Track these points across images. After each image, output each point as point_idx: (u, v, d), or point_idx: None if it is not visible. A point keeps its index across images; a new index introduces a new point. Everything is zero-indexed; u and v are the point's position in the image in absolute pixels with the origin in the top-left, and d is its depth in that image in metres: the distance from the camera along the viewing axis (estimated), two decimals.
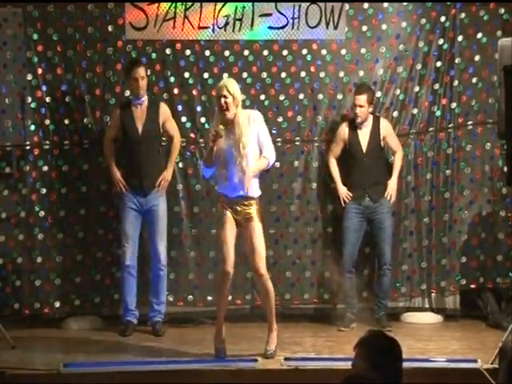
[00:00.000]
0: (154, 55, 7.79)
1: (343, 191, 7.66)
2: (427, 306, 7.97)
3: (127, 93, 7.74)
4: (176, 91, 7.83)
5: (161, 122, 7.46)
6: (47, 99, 7.76)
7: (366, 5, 7.84)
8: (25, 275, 7.75)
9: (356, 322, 7.58)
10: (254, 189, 6.40)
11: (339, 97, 7.92)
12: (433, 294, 7.95)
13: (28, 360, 6.51)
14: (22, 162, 7.76)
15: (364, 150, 7.61)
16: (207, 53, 7.82)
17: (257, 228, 6.40)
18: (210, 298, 7.73)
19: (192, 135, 7.86)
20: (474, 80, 7.94)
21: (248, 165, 6.27)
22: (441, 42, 7.88)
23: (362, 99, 7.52)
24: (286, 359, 6.34)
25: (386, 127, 7.69)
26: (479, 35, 7.89)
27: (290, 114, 7.91)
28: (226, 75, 7.70)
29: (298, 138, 7.93)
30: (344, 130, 7.70)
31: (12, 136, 7.76)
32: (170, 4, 7.76)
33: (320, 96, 7.90)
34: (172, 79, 7.83)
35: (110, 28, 7.76)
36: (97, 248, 7.80)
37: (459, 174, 7.95)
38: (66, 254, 7.77)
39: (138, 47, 7.78)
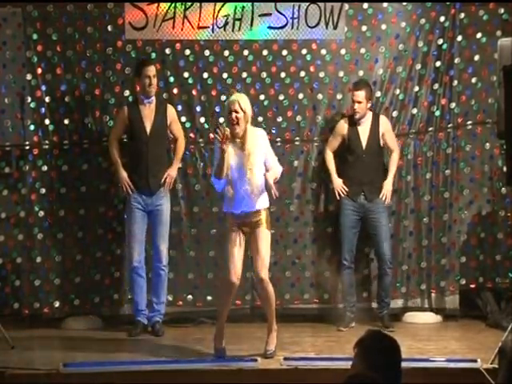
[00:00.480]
0: (153, 55, 7.79)
1: (338, 184, 7.64)
2: (427, 305, 7.96)
3: (127, 93, 7.74)
4: (175, 91, 7.83)
5: (167, 123, 7.46)
6: (47, 99, 7.75)
7: (365, 5, 7.84)
8: (24, 275, 7.74)
9: (356, 322, 7.58)
10: (262, 202, 6.41)
11: (339, 97, 7.92)
12: (432, 294, 7.94)
13: (28, 360, 6.51)
14: (21, 162, 7.75)
15: (364, 147, 7.61)
16: (207, 53, 7.82)
17: (264, 233, 6.40)
18: (209, 297, 7.74)
19: (191, 135, 7.85)
20: (474, 80, 7.95)
21: (255, 182, 6.28)
22: (440, 41, 7.88)
23: (361, 95, 7.51)
24: (286, 359, 6.34)
25: (384, 124, 7.68)
26: (479, 35, 7.89)
27: (289, 113, 7.91)
28: (225, 75, 7.72)
29: (297, 138, 7.93)
30: (343, 125, 7.69)
31: (11, 136, 7.76)
32: (169, 4, 7.76)
33: (319, 96, 7.90)
34: (171, 79, 7.82)
35: (109, 28, 7.76)
36: (96, 248, 7.79)
37: (459, 173, 7.95)
38: (66, 254, 7.77)
39: (138, 47, 7.78)
